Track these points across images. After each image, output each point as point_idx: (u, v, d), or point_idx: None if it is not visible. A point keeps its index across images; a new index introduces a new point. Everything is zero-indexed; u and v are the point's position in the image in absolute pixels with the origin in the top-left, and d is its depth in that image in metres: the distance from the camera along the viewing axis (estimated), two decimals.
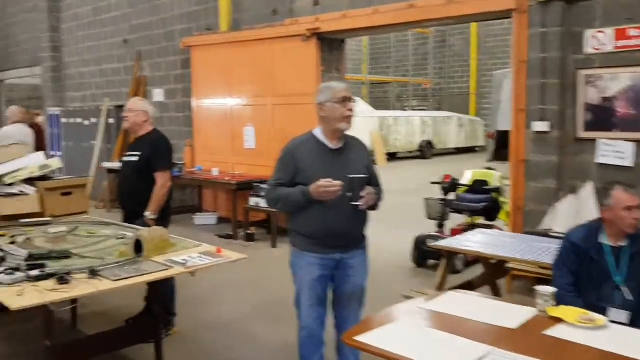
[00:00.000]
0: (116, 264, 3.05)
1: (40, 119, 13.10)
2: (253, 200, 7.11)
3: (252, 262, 5.86)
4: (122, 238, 3.68)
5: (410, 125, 18.86)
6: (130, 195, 4.25)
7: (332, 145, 2.94)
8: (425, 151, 19.24)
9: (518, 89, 5.17)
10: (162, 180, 4.17)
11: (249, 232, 7.19)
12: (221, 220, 8.43)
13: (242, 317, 4.62)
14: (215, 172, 7.97)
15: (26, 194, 4.25)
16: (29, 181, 4.33)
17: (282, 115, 7.53)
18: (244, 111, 8.11)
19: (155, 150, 4.20)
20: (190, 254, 3.24)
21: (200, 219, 8.29)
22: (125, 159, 4.37)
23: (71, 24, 11.84)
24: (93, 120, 10.64)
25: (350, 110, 2.88)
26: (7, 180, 4.19)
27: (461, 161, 16.77)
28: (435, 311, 2.54)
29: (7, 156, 4.20)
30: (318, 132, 2.96)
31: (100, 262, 3.09)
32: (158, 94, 9.71)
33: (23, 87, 17.75)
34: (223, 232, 7.64)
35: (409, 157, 19.24)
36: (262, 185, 7.13)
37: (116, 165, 9.63)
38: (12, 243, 3.47)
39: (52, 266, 2.98)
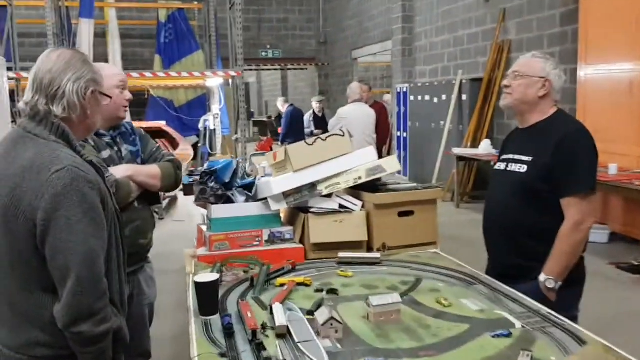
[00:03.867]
0: None
1: (387, 98, 12.41)
2: None
3: None
4: (507, 336, 1.78)
5: None
6: (507, 232, 2.37)
7: None
8: None
9: None
10: (577, 215, 2.19)
11: None
12: (614, 236, 5.91)
13: None
14: (612, 169, 5.47)
15: (349, 211, 2.73)
16: (353, 190, 2.82)
17: None
18: None
19: (566, 155, 2.23)
20: None
21: None
22: (502, 164, 2.50)
23: None
24: (443, 97, 9.15)
25: None
26: (324, 189, 2.73)
27: None
28: None
29: (325, 153, 2.73)
30: None
31: None
32: None
33: (377, 67, 17.71)
34: (622, 260, 5.16)
35: None
36: None
37: (467, 152, 7.95)
38: (312, 313, 1.94)
39: None
